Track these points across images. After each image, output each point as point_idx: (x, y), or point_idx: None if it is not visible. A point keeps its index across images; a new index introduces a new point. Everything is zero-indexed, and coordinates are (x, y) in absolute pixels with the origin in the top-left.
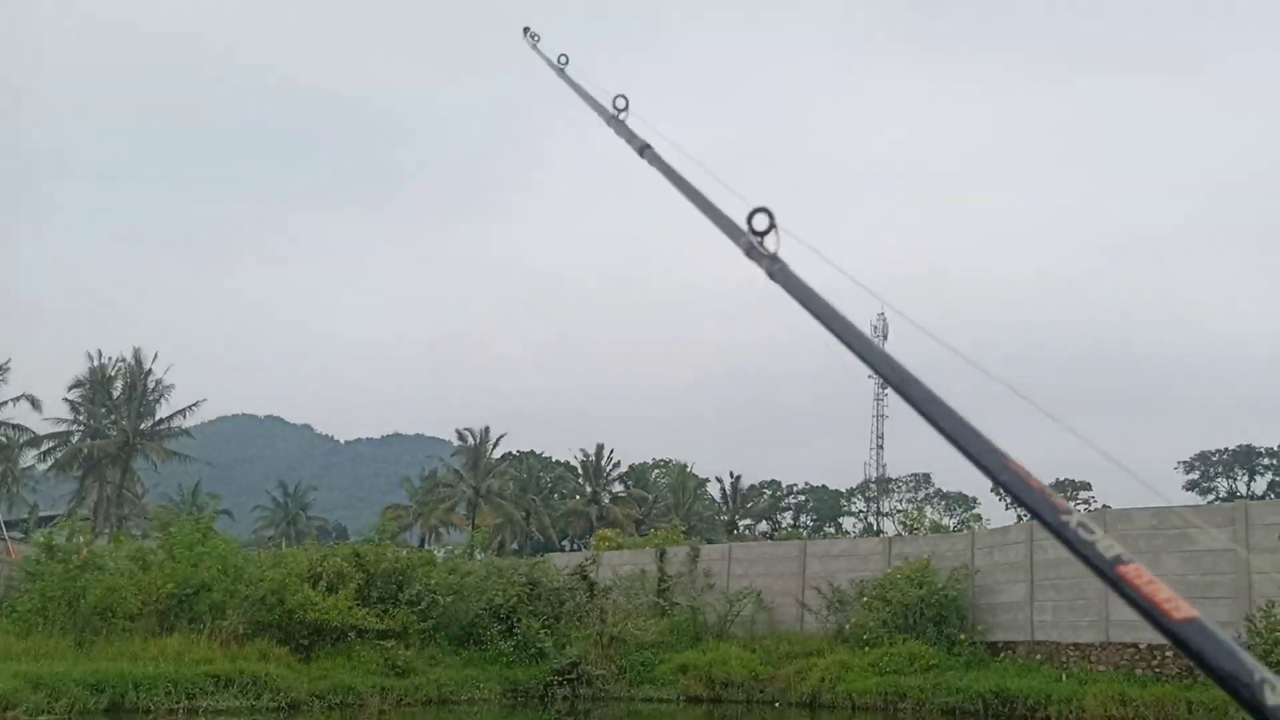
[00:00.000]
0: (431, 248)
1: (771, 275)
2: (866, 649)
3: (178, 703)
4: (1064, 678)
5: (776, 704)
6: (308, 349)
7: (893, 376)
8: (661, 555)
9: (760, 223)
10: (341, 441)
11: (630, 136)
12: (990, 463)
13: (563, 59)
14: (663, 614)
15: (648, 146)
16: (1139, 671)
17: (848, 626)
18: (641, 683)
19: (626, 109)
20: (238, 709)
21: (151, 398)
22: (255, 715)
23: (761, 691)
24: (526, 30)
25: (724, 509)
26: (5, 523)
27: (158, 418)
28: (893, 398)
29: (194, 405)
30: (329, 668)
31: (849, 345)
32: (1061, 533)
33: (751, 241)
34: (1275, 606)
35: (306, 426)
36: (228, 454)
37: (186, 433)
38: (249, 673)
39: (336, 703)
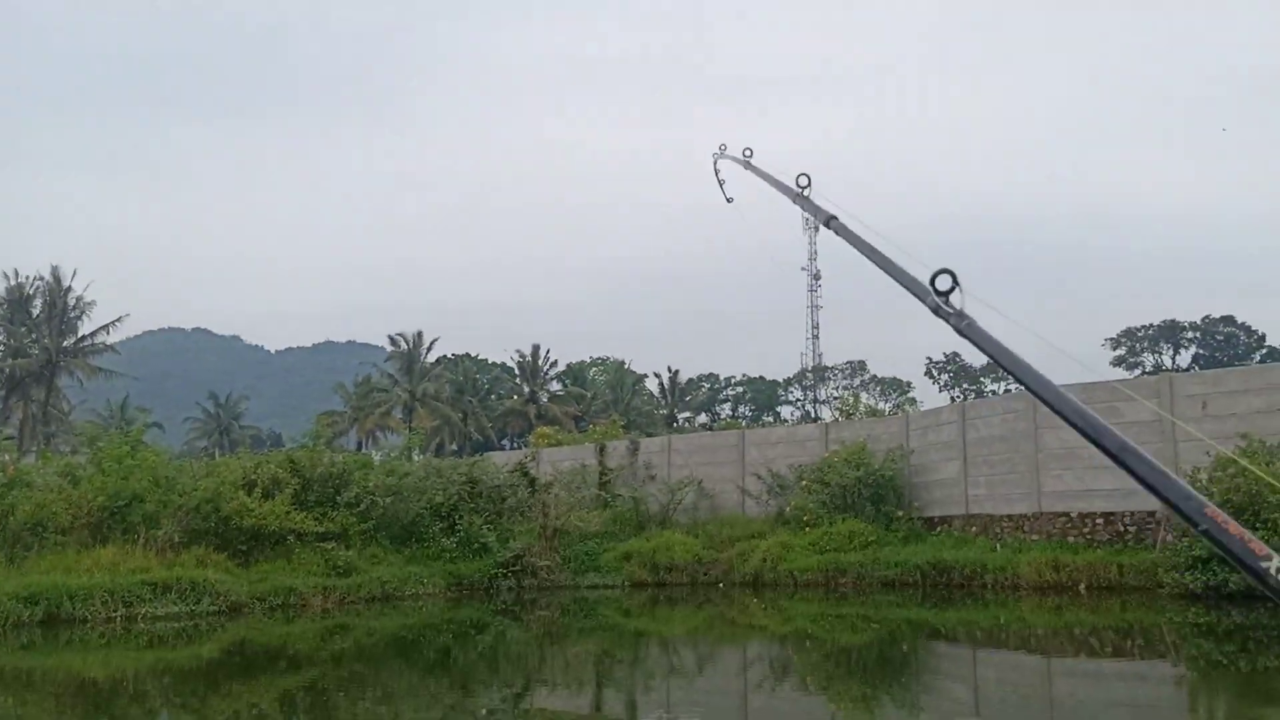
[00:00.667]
0: (349, 160)
1: (960, 331)
2: (807, 529)
3: (115, 611)
4: (998, 548)
5: (720, 585)
6: (231, 263)
7: (1086, 426)
8: (601, 450)
9: (943, 283)
10: (272, 351)
11: (816, 210)
12: (1190, 509)
13: (747, 152)
14: (605, 506)
15: (834, 218)
16: (1071, 539)
17: (788, 509)
18: (586, 571)
19: (809, 185)
20: (177, 614)
21: (73, 314)
22: (196, 619)
23: (705, 574)
24: (720, 148)
25: (663, 403)
26: None
27: (80, 334)
28: (827, 287)
29: (117, 321)
30: (269, 570)
31: (1041, 396)
32: (1264, 579)
33: (938, 302)
34: (1200, 472)
35: (235, 338)
36: (155, 368)
37: (111, 348)
38: (187, 579)
39: (278, 603)
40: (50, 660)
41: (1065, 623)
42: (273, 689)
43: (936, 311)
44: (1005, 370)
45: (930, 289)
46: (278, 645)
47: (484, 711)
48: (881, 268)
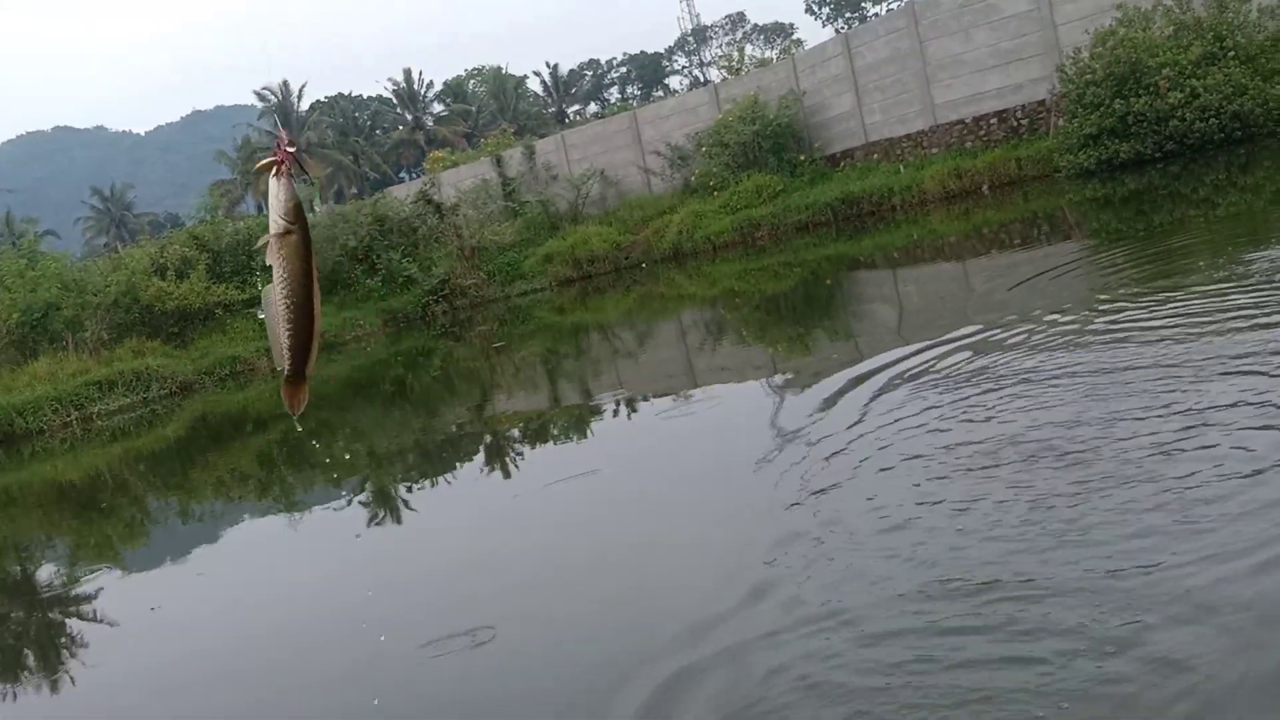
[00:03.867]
0: None
1: None
2: (714, 194)
3: (68, 416)
4: (901, 169)
5: (643, 265)
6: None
7: None
8: (498, 161)
9: None
10: (142, 134)
11: None
12: None
13: None
14: (514, 215)
15: None
16: (969, 144)
17: (693, 179)
18: (512, 280)
19: None
20: (130, 405)
21: None
22: (150, 405)
23: (626, 258)
24: None
25: (549, 101)
26: None
27: None
28: None
29: None
30: (207, 346)
31: None
32: None
33: None
34: (1081, 51)
35: (99, 128)
36: (27, 176)
37: None
38: (129, 370)
39: (226, 374)
40: (22, 473)
41: (973, 225)
42: (247, 451)
43: None
44: None
45: None
46: (238, 411)
47: (453, 427)
48: None
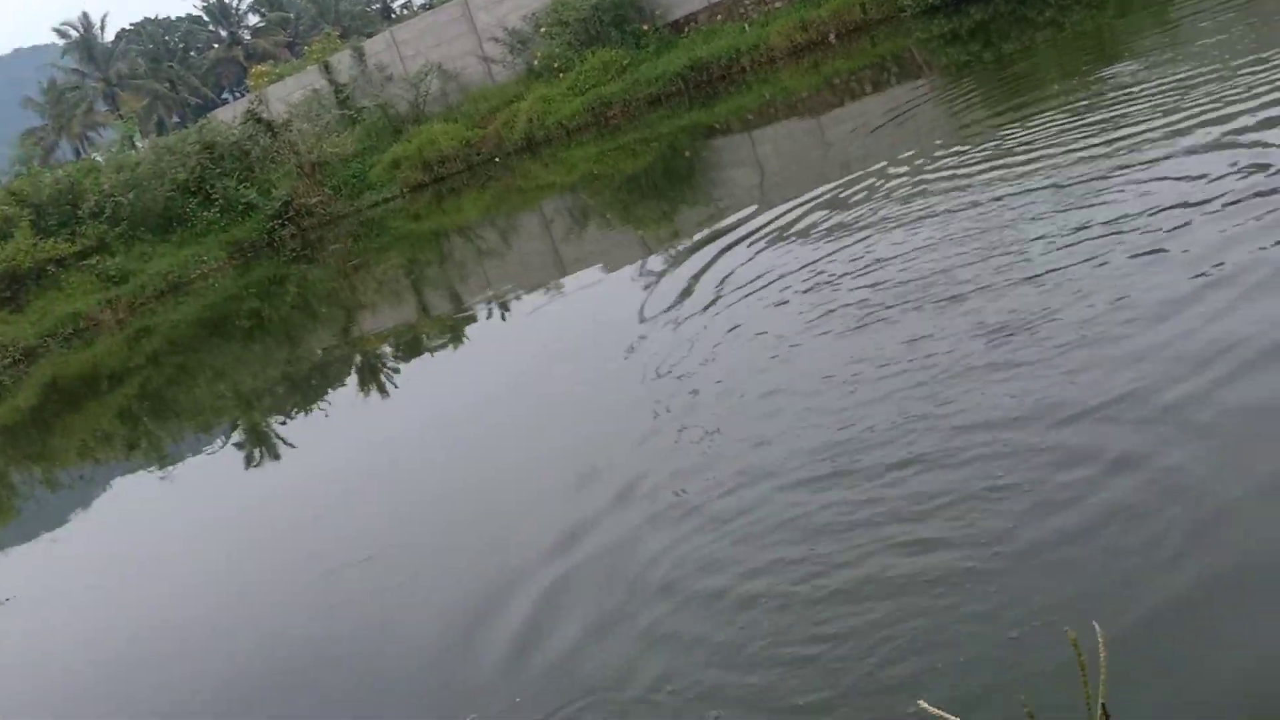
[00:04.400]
0: None
1: None
2: (560, 76)
3: None
4: (746, 28)
5: (496, 160)
6: None
7: None
8: (326, 68)
9: None
10: None
11: None
12: None
13: None
14: (353, 123)
15: None
16: None
17: (535, 62)
18: (360, 193)
19: None
20: None
21: None
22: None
23: (477, 154)
24: None
25: None
26: None
27: None
28: None
29: None
30: (45, 306)
31: None
32: None
33: None
34: None
35: None
36: None
37: None
38: None
39: (70, 333)
40: None
41: (824, 77)
42: (106, 409)
43: None
44: None
45: None
46: (89, 370)
47: (319, 352)
48: None
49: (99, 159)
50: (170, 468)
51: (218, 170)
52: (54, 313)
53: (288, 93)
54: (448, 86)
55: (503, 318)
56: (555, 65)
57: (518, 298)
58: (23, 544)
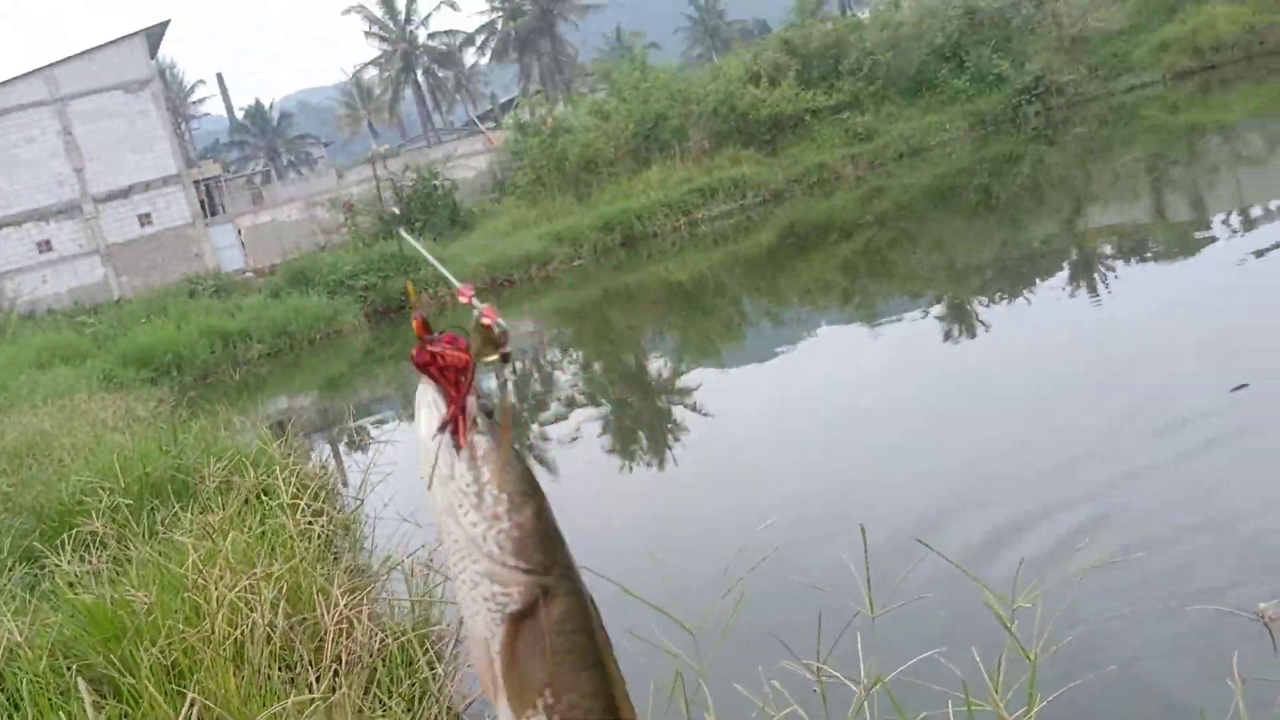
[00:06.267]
0: None
1: None
2: None
3: (677, 221)
4: None
5: None
6: None
7: None
8: None
9: None
10: None
11: None
12: None
13: None
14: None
15: None
16: None
17: None
18: (1118, 75)
19: None
20: (729, 211)
21: None
22: (746, 212)
23: (1261, 44)
24: None
25: None
26: (477, 118)
27: None
28: None
29: None
30: (796, 154)
31: None
32: None
33: None
34: None
35: None
36: None
37: None
38: (727, 179)
39: (813, 182)
40: (641, 273)
41: None
42: (830, 259)
43: None
44: None
45: None
46: (823, 220)
47: (1037, 243)
48: None
49: (864, 16)
50: (875, 326)
51: (975, 38)
52: (803, 161)
53: None
54: None
55: (1241, 235)
56: None
57: (1265, 216)
58: (741, 365)
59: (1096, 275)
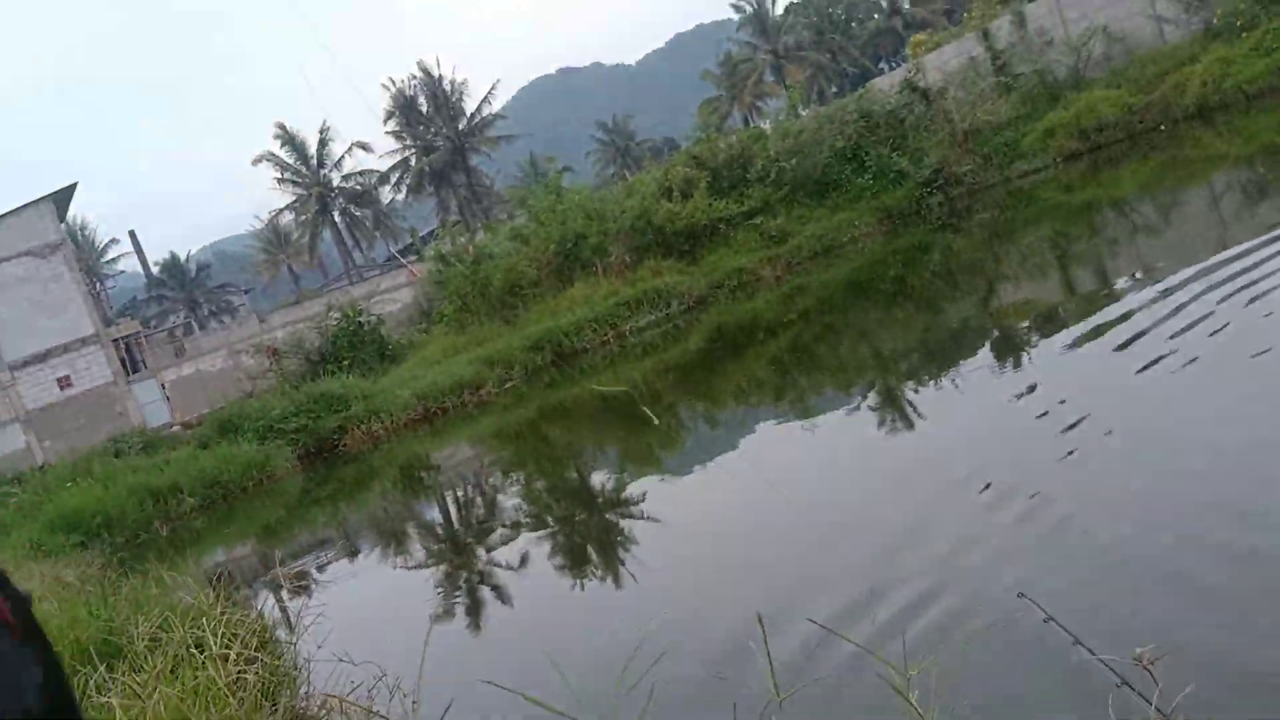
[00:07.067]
0: None
1: None
2: (1243, 36)
3: (605, 335)
4: None
5: (1161, 128)
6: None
7: None
8: (985, 35)
9: None
10: (633, 64)
11: None
12: None
13: None
14: (1007, 90)
15: None
16: None
17: (1215, 20)
18: (1011, 161)
19: None
20: (655, 321)
21: (454, 99)
22: (671, 320)
23: (1140, 122)
24: None
25: None
26: (398, 252)
27: (469, 114)
28: None
29: (492, 90)
30: (715, 261)
31: None
32: None
33: None
34: None
35: (596, 64)
36: (543, 118)
37: (500, 115)
38: (651, 289)
39: (734, 286)
40: (573, 389)
41: None
42: (760, 358)
43: None
44: None
45: None
46: (748, 320)
47: (956, 323)
48: None
49: (766, 127)
50: (809, 420)
51: (873, 138)
52: (722, 266)
53: (944, 61)
54: (1112, 49)
55: (1157, 298)
56: (1239, 23)
57: (1174, 275)
58: (680, 475)
59: (1019, 351)
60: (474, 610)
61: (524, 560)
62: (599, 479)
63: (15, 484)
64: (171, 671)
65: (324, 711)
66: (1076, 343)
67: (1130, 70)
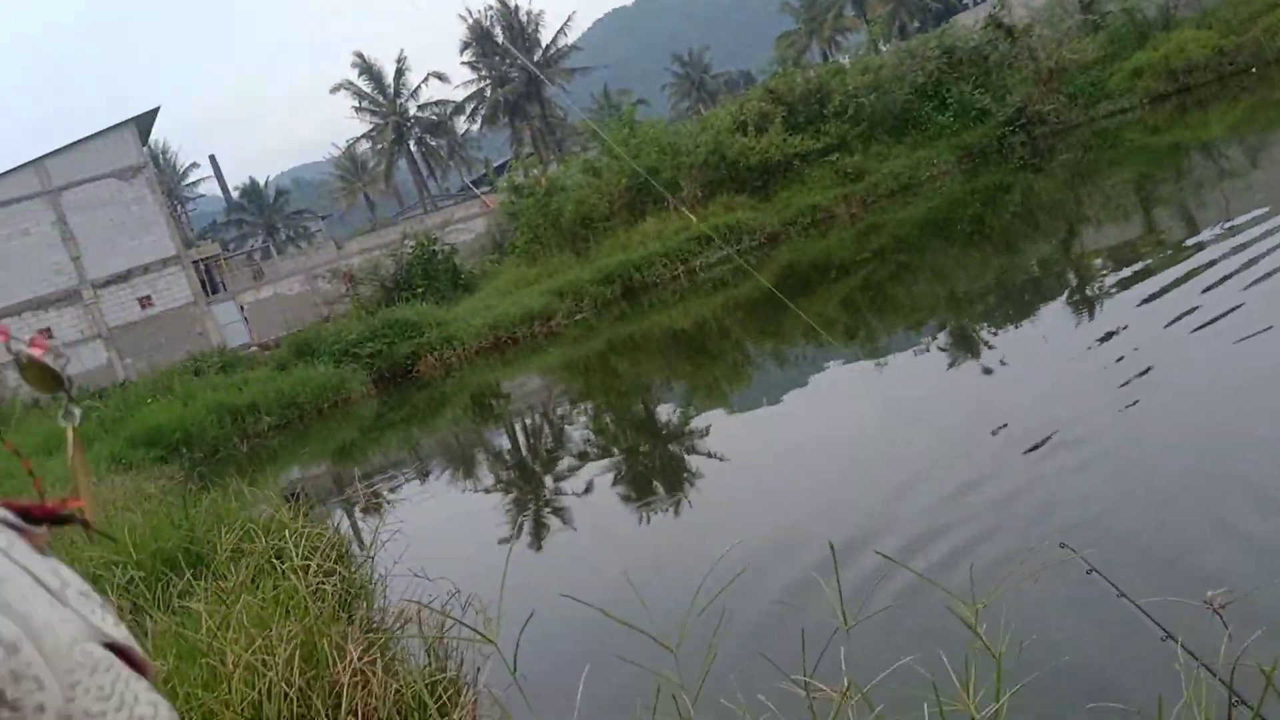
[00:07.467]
0: None
1: None
2: None
3: (675, 270)
4: None
5: (1252, 70)
6: None
7: None
8: None
9: None
10: None
11: None
12: None
13: None
14: (1095, 29)
15: None
16: None
17: None
18: (1096, 102)
19: None
20: (726, 257)
21: (530, 30)
22: (744, 255)
23: (1230, 64)
24: None
25: None
26: (472, 183)
27: (544, 45)
28: None
29: (568, 21)
30: (789, 197)
31: None
32: None
33: None
34: None
35: None
36: (617, 51)
37: (575, 47)
38: (723, 225)
39: (808, 224)
40: (643, 322)
41: None
42: (832, 295)
43: None
44: None
45: None
46: (821, 258)
47: (1034, 264)
48: None
49: (845, 61)
50: (880, 359)
51: (955, 75)
52: (796, 203)
53: None
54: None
55: (1240, 247)
56: None
57: (1262, 225)
58: (748, 410)
59: (1093, 297)
60: (544, 535)
61: (589, 488)
62: (666, 412)
63: (97, 398)
64: (252, 581)
65: (399, 623)
66: (1155, 294)
67: (1221, 11)
